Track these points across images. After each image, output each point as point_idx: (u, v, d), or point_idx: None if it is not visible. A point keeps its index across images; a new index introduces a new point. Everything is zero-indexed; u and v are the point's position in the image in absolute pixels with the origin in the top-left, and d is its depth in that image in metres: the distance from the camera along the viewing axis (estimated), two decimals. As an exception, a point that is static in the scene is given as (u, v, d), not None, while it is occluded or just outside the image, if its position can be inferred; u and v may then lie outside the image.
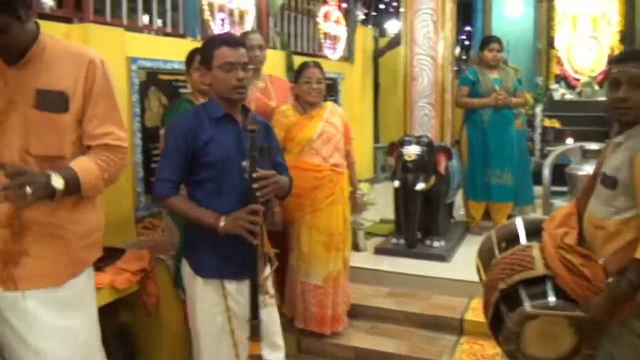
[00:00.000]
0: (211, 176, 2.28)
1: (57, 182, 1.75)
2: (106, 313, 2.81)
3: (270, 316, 2.46)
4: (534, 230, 2.21)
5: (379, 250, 4.53)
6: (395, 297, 3.97)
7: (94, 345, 2.06)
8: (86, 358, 1.99)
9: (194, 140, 2.25)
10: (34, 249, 1.86)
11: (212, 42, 2.33)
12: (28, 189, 1.65)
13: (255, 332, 2.19)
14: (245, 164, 2.20)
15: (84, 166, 1.85)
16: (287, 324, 3.37)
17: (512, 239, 2.28)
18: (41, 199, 1.73)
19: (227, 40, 2.32)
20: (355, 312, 3.78)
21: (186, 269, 2.42)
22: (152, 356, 3.27)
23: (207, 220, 2.24)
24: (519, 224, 2.30)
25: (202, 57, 2.38)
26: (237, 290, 2.33)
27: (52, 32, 3.07)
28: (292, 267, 3.43)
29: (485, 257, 2.33)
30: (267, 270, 2.37)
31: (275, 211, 3.20)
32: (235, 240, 2.22)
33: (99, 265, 2.86)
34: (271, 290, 2.41)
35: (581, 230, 2.07)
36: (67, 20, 3.49)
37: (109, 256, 3.00)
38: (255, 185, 2.18)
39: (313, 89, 3.27)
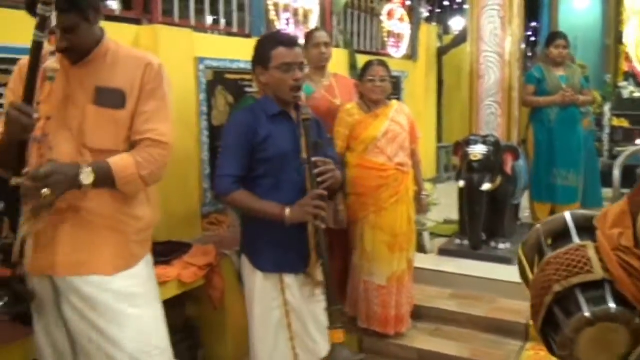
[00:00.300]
0: (269, 172, 2.31)
1: (86, 177, 1.77)
2: (173, 306, 2.88)
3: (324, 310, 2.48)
4: (583, 227, 2.11)
5: (443, 252, 4.46)
6: (459, 300, 3.90)
7: (159, 336, 2.10)
8: (151, 346, 2.03)
9: (254, 136, 2.28)
10: (92, 239, 1.92)
11: (269, 42, 2.34)
12: (45, 191, 1.68)
13: (335, 320, 2.14)
14: (304, 157, 2.23)
15: (121, 162, 1.87)
16: (349, 322, 3.37)
17: (559, 234, 2.18)
18: (65, 192, 1.76)
19: (284, 40, 2.32)
20: (419, 314, 3.74)
21: (245, 264, 2.46)
22: (216, 349, 3.34)
23: (272, 211, 2.25)
24: (569, 219, 2.19)
25: (257, 57, 2.38)
26: (296, 284, 2.36)
27: (121, 33, 3.24)
28: (355, 266, 3.42)
29: (530, 253, 2.23)
30: (317, 264, 2.35)
31: (339, 209, 3.20)
32: (293, 234, 2.25)
33: (167, 259, 2.96)
34: (320, 284, 2.41)
35: (635, 230, 1.97)
36: (136, 22, 3.60)
37: (176, 250, 3.10)
38: (315, 171, 2.20)
39: (377, 87, 3.25)
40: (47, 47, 1.78)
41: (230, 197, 2.32)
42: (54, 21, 1.71)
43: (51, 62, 1.80)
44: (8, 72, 1.96)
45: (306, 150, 2.24)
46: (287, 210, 2.22)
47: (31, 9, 1.73)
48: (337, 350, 2.10)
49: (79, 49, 1.86)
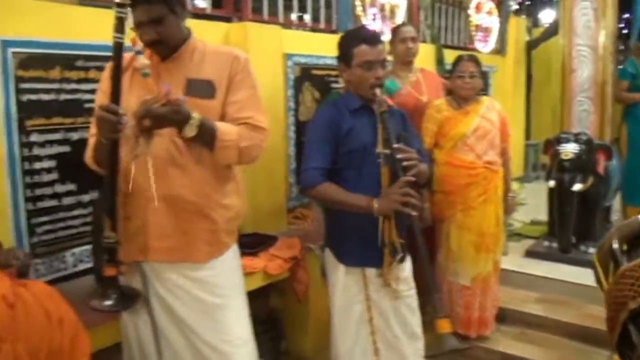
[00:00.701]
0: (351, 165, 2.33)
1: (190, 130, 1.80)
2: (257, 297, 2.96)
3: (409, 307, 2.47)
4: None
5: (530, 254, 4.33)
6: (546, 304, 3.78)
7: (242, 326, 2.14)
8: (234, 336, 2.07)
9: (338, 129, 2.32)
10: (183, 226, 1.98)
11: (351, 39, 2.35)
12: (146, 121, 1.74)
13: (439, 309, 2.11)
14: (379, 150, 2.25)
15: (225, 127, 1.92)
16: (431, 322, 3.34)
17: (635, 240, 2.05)
18: (165, 126, 1.81)
19: (367, 37, 2.31)
20: (504, 316, 3.66)
21: (329, 257, 2.50)
22: (299, 341, 3.40)
23: (358, 203, 2.26)
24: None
25: (340, 54, 2.40)
26: (378, 279, 2.38)
27: (212, 31, 3.35)
28: (440, 265, 3.39)
29: (604, 259, 2.11)
30: (392, 261, 2.36)
31: (425, 207, 3.18)
32: (373, 230, 2.27)
33: (254, 251, 3.04)
34: (404, 281, 2.43)
35: None
36: (226, 20, 3.70)
37: (262, 242, 3.17)
38: (399, 156, 2.19)
39: (467, 83, 3.19)
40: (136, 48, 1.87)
41: (316, 189, 2.33)
42: (131, 22, 1.80)
43: (141, 60, 1.87)
44: (100, 69, 2.06)
45: (382, 144, 2.26)
46: (375, 203, 2.22)
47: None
48: (444, 340, 2.06)
49: (167, 43, 1.92)
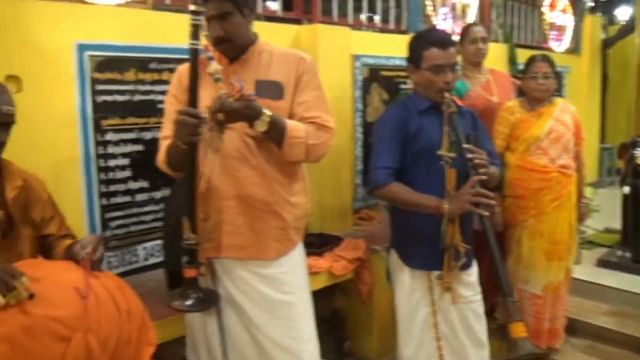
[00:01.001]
0: (419, 165, 2.30)
1: (261, 125, 1.85)
2: (322, 296, 2.98)
3: (475, 313, 2.42)
4: None
5: (602, 263, 4.16)
6: (618, 317, 3.61)
7: (307, 324, 2.16)
8: (299, 333, 2.09)
9: (406, 129, 2.30)
10: (255, 224, 2.02)
11: (421, 42, 2.31)
12: (220, 116, 1.79)
13: (514, 312, 2.05)
14: (442, 152, 2.23)
15: (294, 125, 1.96)
16: (498, 330, 3.26)
17: None
18: (237, 121, 1.85)
19: (437, 40, 2.28)
20: (572, 328, 3.52)
21: (394, 260, 2.48)
22: (362, 342, 3.39)
23: (428, 204, 2.23)
24: None
25: (409, 55, 2.37)
26: (441, 282, 2.34)
27: (282, 33, 3.39)
28: (510, 271, 3.29)
29: None
30: (454, 265, 2.31)
31: (495, 211, 3.10)
32: (438, 233, 2.24)
33: (319, 251, 3.05)
34: (470, 286, 2.39)
35: None
36: (296, 22, 3.73)
37: (328, 243, 3.19)
38: (469, 155, 2.16)
39: (540, 84, 3.09)
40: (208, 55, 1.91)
41: (385, 189, 2.30)
42: (205, 30, 1.85)
43: (214, 65, 1.91)
44: (173, 71, 2.12)
45: (447, 147, 2.23)
46: (446, 204, 2.19)
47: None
48: (520, 345, 1.99)
49: (233, 40, 1.96)
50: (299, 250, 2.17)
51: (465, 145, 2.18)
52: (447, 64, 2.26)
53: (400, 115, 2.35)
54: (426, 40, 2.30)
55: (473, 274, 2.44)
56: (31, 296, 1.50)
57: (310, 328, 2.17)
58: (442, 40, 2.29)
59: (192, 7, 1.79)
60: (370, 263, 3.18)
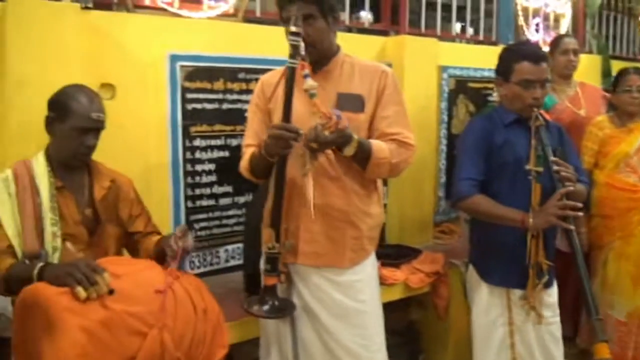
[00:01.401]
0: (503, 178, 2.26)
1: (349, 150, 1.90)
2: (397, 309, 2.96)
3: (553, 336, 2.35)
4: None
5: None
6: None
7: (378, 332, 2.17)
8: (370, 341, 2.11)
9: (491, 141, 2.27)
10: (331, 232, 2.06)
11: (513, 54, 2.28)
12: (314, 145, 1.84)
13: (598, 332, 1.94)
14: (529, 167, 2.17)
15: (379, 145, 1.99)
16: (579, 355, 3.11)
17: None
18: (328, 146, 1.90)
19: (529, 54, 2.23)
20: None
21: (472, 273, 2.45)
22: (437, 357, 3.32)
23: (513, 217, 2.18)
24: None
25: (499, 67, 2.34)
26: (522, 301, 2.28)
27: (369, 45, 3.42)
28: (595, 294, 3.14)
29: None
30: (538, 283, 2.25)
31: (581, 231, 2.97)
32: (521, 249, 2.18)
33: (396, 262, 3.04)
34: (549, 307, 2.32)
35: None
36: (384, 33, 3.75)
37: (406, 255, 3.17)
38: (555, 168, 2.10)
39: (634, 98, 2.94)
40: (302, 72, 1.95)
41: (469, 200, 2.27)
42: (302, 50, 1.88)
43: (309, 82, 1.95)
44: None
45: (534, 161, 2.17)
46: (531, 218, 2.13)
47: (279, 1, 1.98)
48: None
49: (315, 45, 1.99)
50: (372, 260, 2.19)
51: (552, 158, 2.12)
52: (538, 79, 2.21)
53: (486, 126, 2.33)
54: (518, 53, 2.27)
55: (553, 294, 2.37)
56: (111, 291, 1.59)
57: (381, 338, 2.18)
58: (535, 54, 2.24)
59: (292, 29, 1.85)
60: (448, 277, 3.12)
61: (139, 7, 2.78)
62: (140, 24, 2.61)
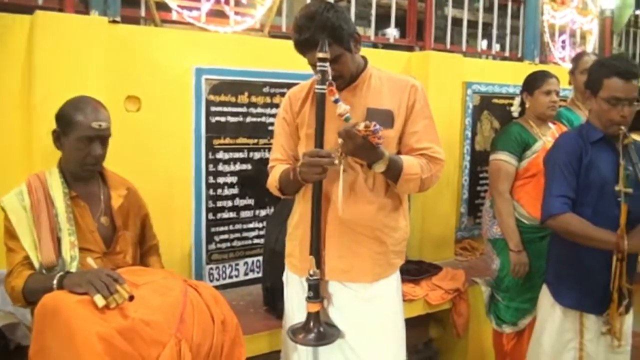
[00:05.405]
0: (586, 200, 2.20)
1: (379, 167, 1.87)
2: (416, 325, 2.94)
3: None
4: None
5: None
6: None
7: (400, 350, 2.14)
8: (392, 357, 2.08)
9: (580, 159, 2.21)
10: (356, 247, 2.04)
11: (604, 68, 2.21)
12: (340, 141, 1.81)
13: None
14: (619, 188, 2.11)
15: (409, 161, 1.96)
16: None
17: None
18: (361, 157, 1.88)
19: (621, 71, 2.15)
20: None
21: (544, 293, 2.39)
22: (456, 376, 3.31)
23: (608, 239, 2.10)
24: None
25: (588, 80, 2.28)
26: (596, 327, 2.23)
27: (395, 60, 3.44)
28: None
29: None
30: (620, 307, 2.18)
31: None
32: (602, 272, 2.13)
33: (416, 279, 3.03)
34: (623, 335, 2.24)
35: None
36: (409, 49, 3.76)
37: (426, 271, 3.15)
38: None
39: None
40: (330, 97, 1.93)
41: (561, 218, 2.18)
42: (330, 74, 1.87)
43: (342, 107, 1.91)
44: (284, 95, 2.20)
45: (623, 182, 2.11)
46: (626, 239, 2.06)
47: (298, 48, 1.95)
48: None
49: (344, 77, 2.00)
50: (397, 275, 2.17)
51: None
52: (627, 97, 2.14)
53: (578, 143, 2.25)
54: (610, 68, 2.18)
55: (629, 322, 2.31)
56: (131, 298, 1.62)
57: (402, 354, 2.16)
58: (626, 71, 2.16)
59: (319, 55, 1.83)
60: (467, 295, 3.10)
61: (166, 22, 2.83)
62: (167, 38, 2.66)
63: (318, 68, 1.85)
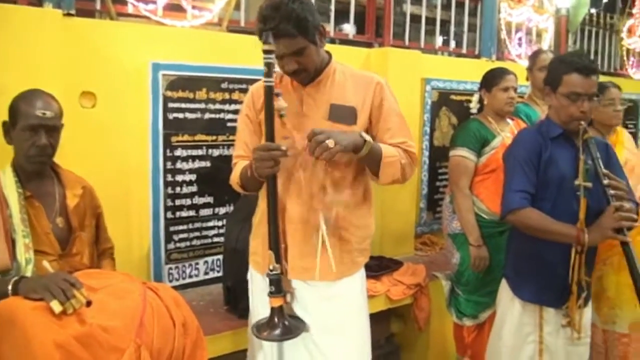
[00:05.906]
0: (546, 195, 2.21)
1: (364, 150, 1.86)
2: (378, 320, 2.94)
3: (582, 357, 2.33)
4: None
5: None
6: None
7: (366, 348, 2.14)
8: (357, 354, 2.09)
9: (540, 155, 2.22)
10: (318, 245, 2.00)
11: (564, 65, 2.23)
12: (330, 142, 1.76)
13: None
14: (579, 182, 2.13)
15: (387, 147, 1.96)
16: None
17: None
18: (347, 150, 1.84)
19: (580, 67, 2.17)
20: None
21: (503, 287, 2.41)
22: (417, 369, 3.34)
23: (568, 232, 2.11)
24: None
25: (548, 76, 2.31)
26: (555, 320, 2.26)
27: (354, 56, 3.43)
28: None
29: None
30: (579, 300, 2.21)
31: None
32: (561, 264, 2.16)
33: (377, 274, 3.04)
34: (582, 327, 2.27)
35: None
36: (367, 45, 3.76)
37: (387, 266, 3.17)
38: (606, 182, 2.08)
39: (618, 111, 2.93)
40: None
41: (521, 212, 2.19)
42: (277, 67, 1.86)
43: (280, 102, 1.90)
44: (243, 90, 2.15)
45: (582, 177, 2.13)
46: (586, 233, 2.08)
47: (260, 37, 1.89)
48: None
49: (308, 70, 1.98)
50: (361, 273, 2.17)
51: (604, 171, 2.08)
52: (586, 92, 2.17)
53: (538, 139, 2.27)
54: (569, 64, 2.20)
55: (588, 314, 2.34)
56: (89, 303, 1.56)
57: (368, 351, 2.16)
58: (584, 66, 2.18)
59: (265, 47, 1.80)
60: (428, 289, 3.13)
61: (122, 15, 2.75)
62: (123, 32, 2.59)
63: (264, 60, 1.81)
